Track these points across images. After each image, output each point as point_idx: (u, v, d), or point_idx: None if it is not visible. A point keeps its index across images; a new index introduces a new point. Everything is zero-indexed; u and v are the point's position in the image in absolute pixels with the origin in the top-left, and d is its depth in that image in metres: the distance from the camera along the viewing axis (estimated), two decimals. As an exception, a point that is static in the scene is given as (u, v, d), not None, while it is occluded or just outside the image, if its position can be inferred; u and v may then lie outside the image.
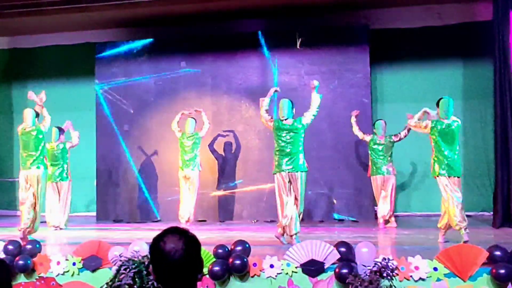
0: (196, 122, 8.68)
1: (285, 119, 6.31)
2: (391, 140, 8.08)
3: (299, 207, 6.14)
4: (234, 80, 9.52)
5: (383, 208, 7.99)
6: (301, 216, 6.23)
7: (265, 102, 6.52)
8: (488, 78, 8.49)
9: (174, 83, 9.73)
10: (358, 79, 9.06)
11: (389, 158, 8.08)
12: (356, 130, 8.29)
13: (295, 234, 6.04)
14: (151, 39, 9.95)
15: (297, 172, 6.18)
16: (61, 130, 8.55)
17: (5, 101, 11.23)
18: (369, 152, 8.22)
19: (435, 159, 6.17)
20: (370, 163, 8.23)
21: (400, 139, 8.05)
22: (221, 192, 9.41)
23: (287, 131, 6.27)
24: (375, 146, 8.10)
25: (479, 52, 9.08)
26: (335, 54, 9.21)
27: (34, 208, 6.76)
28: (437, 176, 6.13)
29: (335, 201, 8.95)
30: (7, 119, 11.07)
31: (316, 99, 6.33)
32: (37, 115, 7.04)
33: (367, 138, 8.21)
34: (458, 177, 6.14)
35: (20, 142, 7.01)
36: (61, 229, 8.26)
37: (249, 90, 9.43)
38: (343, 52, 9.18)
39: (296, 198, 6.14)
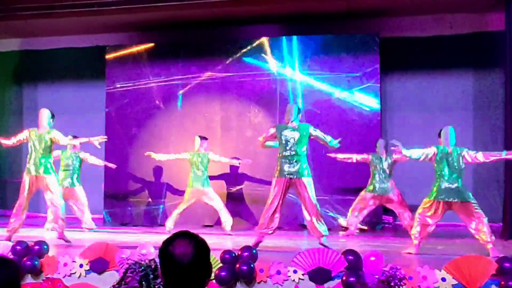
0: (200, 140, 8.48)
1: (291, 122, 6.34)
2: (391, 158, 7.96)
3: (317, 210, 6.17)
4: (243, 86, 9.53)
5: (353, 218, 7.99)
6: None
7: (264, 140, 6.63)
8: (499, 88, 8.45)
9: (184, 87, 9.75)
10: (368, 87, 9.04)
11: (386, 177, 7.91)
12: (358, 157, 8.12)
13: (323, 236, 6.10)
14: (161, 43, 9.99)
15: (299, 178, 6.19)
16: (75, 138, 8.56)
17: (16, 102, 11.30)
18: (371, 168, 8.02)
19: (435, 184, 6.20)
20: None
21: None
22: (229, 197, 9.40)
23: (291, 135, 6.28)
24: (376, 161, 7.96)
25: (490, 62, 9.04)
26: (345, 62, 9.20)
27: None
28: (432, 200, 6.14)
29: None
30: (17, 120, 11.13)
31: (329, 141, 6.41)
32: (53, 116, 7.01)
33: (363, 156, 8.10)
34: (467, 202, 6.10)
35: (29, 145, 6.94)
36: (89, 229, 8.37)
37: (258, 96, 9.44)
38: (354, 59, 9.17)
39: (309, 203, 6.16)
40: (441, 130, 6.38)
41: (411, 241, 6.28)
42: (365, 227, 8.65)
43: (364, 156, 8.04)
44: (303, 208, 6.31)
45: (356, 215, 7.97)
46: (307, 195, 6.17)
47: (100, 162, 8.76)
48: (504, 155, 6.18)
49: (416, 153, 6.26)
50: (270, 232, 6.31)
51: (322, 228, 6.18)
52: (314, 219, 6.13)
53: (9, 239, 6.49)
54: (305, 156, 6.33)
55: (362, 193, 7.99)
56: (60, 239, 6.67)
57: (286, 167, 6.22)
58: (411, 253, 6.12)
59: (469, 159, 6.16)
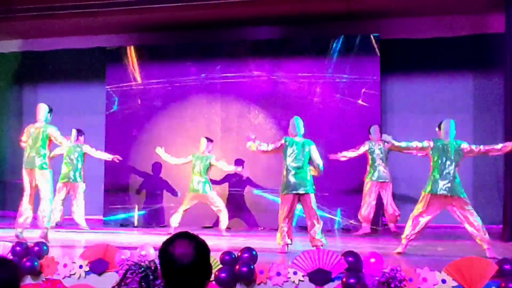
0: (207, 141, 8.43)
1: (296, 136, 6.33)
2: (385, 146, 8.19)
3: (319, 221, 6.16)
4: (244, 87, 9.53)
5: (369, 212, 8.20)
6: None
7: (263, 146, 6.51)
8: (499, 90, 8.45)
9: (184, 89, 9.75)
10: (368, 88, 9.05)
11: (384, 163, 8.19)
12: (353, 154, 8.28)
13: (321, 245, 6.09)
14: (161, 44, 10.00)
15: (307, 193, 6.17)
16: (79, 132, 8.59)
17: (16, 103, 11.31)
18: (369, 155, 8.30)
19: (430, 177, 6.12)
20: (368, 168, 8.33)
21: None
22: (228, 198, 9.39)
23: (297, 148, 6.26)
24: (374, 148, 8.23)
25: (490, 64, 9.04)
26: (345, 63, 9.21)
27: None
28: (426, 194, 6.06)
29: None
30: (17, 121, 11.13)
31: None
32: (50, 110, 7.01)
33: (363, 148, 8.26)
34: (460, 197, 6.00)
35: (28, 139, 6.94)
36: (82, 228, 8.45)
37: (258, 97, 9.44)
38: (354, 61, 9.18)
39: (312, 217, 6.16)
40: (441, 122, 6.30)
41: (411, 242, 6.26)
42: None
43: (365, 146, 8.24)
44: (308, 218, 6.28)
45: (367, 208, 8.16)
46: (312, 209, 6.18)
47: (105, 156, 8.68)
48: (500, 147, 6.13)
49: (409, 144, 6.19)
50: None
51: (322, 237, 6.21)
52: (317, 229, 6.14)
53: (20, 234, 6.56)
54: (309, 171, 6.29)
55: (365, 183, 8.19)
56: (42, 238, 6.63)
57: (292, 183, 6.18)
58: (400, 253, 6.12)
59: (468, 148, 6.10)
